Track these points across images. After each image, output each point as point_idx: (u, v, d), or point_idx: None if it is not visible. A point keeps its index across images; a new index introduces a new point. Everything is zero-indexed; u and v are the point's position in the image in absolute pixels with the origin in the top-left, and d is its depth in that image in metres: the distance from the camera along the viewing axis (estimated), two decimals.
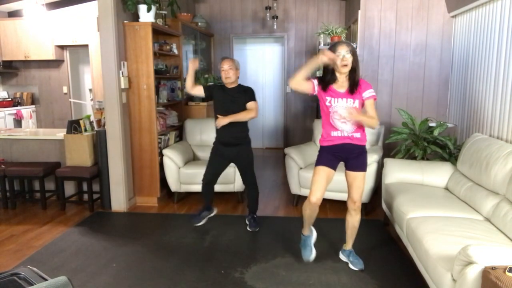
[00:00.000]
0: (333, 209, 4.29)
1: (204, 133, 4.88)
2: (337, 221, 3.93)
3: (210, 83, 3.63)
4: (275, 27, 6.91)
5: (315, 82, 2.80)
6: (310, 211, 2.89)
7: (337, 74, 2.74)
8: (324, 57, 2.63)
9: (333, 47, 2.69)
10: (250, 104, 3.55)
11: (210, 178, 3.69)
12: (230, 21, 7.19)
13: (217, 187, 4.43)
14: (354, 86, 2.74)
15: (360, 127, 2.81)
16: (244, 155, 3.63)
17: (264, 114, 7.76)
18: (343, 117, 2.73)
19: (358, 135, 2.80)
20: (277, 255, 3.21)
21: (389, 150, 4.57)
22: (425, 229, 2.59)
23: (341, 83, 2.76)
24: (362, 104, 2.79)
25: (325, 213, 4.17)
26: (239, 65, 3.66)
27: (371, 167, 3.95)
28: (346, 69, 2.69)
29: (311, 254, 2.98)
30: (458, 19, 4.58)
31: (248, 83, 7.66)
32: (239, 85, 3.63)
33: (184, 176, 4.39)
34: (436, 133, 3.98)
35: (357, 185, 2.86)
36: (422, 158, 3.95)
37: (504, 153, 2.83)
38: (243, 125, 3.59)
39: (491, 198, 2.85)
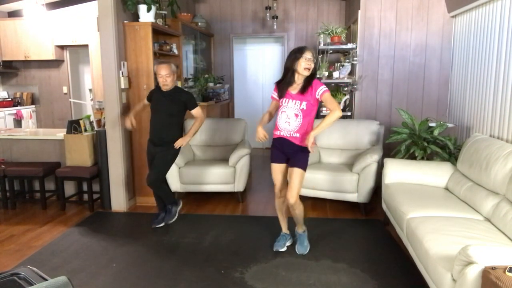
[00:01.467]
0: (333, 209, 4.29)
1: (204, 133, 4.88)
2: (336, 221, 3.93)
3: (152, 91, 3.82)
4: (275, 27, 6.91)
5: (274, 94, 3.13)
6: (279, 204, 3.26)
7: (296, 77, 2.95)
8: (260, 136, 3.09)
9: (301, 49, 2.91)
10: (194, 112, 3.72)
11: (151, 176, 3.79)
12: (230, 21, 7.19)
13: (217, 187, 4.45)
14: (306, 86, 2.93)
15: (302, 133, 3.00)
16: (162, 152, 3.70)
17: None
18: (289, 118, 2.99)
19: (297, 135, 3.00)
20: (277, 255, 3.21)
21: (389, 150, 4.57)
22: (425, 229, 2.59)
23: (297, 85, 2.97)
24: (316, 103, 2.97)
25: (325, 213, 4.17)
26: (176, 69, 3.72)
27: (371, 167, 3.95)
28: (307, 73, 2.90)
29: (282, 248, 3.28)
30: (458, 19, 4.58)
31: (248, 83, 7.69)
32: (176, 87, 3.73)
33: (184, 176, 4.39)
34: (436, 133, 3.98)
35: (291, 181, 3.02)
36: (422, 158, 3.95)
37: (504, 153, 2.83)
38: (172, 127, 3.69)
39: (491, 198, 2.85)
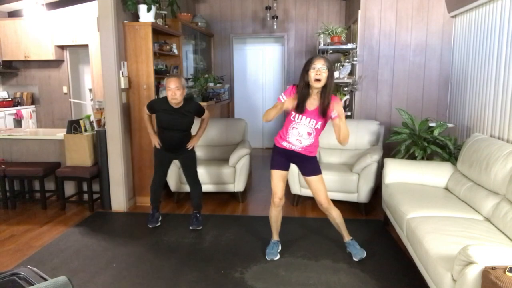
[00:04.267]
0: None
1: (203, 133, 4.87)
2: None
3: (153, 103, 3.66)
4: (275, 27, 6.91)
5: (283, 98, 2.82)
6: (275, 212, 3.13)
7: (310, 90, 2.74)
8: (290, 105, 2.74)
9: (311, 59, 2.71)
10: (203, 116, 3.75)
11: (160, 178, 3.82)
12: (230, 21, 7.19)
13: (217, 187, 4.45)
14: (325, 108, 2.72)
15: (313, 147, 2.91)
16: (185, 152, 3.71)
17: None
18: (300, 135, 2.84)
19: (308, 148, 2.90)
20: None
21: (389, 150, 4.58)
22: (425, 229, 2.59)
23: (313, 100, 2.78)
24: (325, 122, 2.82)
25: (324, 213, 4.16)
26: (186, 83, 3.68)
27: (371, 167, 3.95)
28: (319, 84, 2.67)
29: (276, 256, 3.15)
30: (458, 19, 4.58)
31: (248, 83, 7.69)
32: (184, 101, 3.60)
33: (184, 176, 4.38)
34: (436, 133, 3.98)
35: (317, 188, 2.97)
36: (422, 158, 3.95)
37: (504, 153, 2.83)
38: (184, 135, 3.65)
39: (491, 198, 2.85)
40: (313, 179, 2.96)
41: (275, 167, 3.02)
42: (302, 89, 2.75)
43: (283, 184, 3.03)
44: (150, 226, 3.80)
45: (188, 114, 3.59)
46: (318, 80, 2.65)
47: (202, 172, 4.35)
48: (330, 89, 2.72)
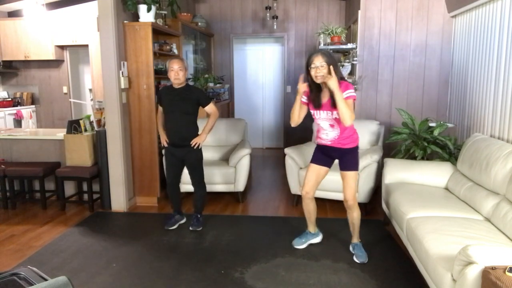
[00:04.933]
0: (333, 209, 4.29)
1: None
2: (336, 221, 3.93)
3: (160, 92, 3.67)
4: (275, 27, 6.91)
5: (304, 99, 2.93)
6: (304, 204, 3.20)
7: (320, 85, 2.82)
8: (302, 89, 2.82)
9: (309, 57, 2.77)
10: (208, 109, 3.65)
11: (173, 178, 3.72)
12: (230, 21, 7.19)
13: (217, 187, 4.45)
14: (334, 99, 2.71)
15: (346, 138, 2.91)
16: (192, 154, 3.61)
17: (264, 114, 7.77)
18: (325, 129, 2.93)
19: (338, 141, 2.92)
20: (277, 255, 3.20)
21: (389, 150, 4.57)
22: (425, 229, 2.59)
23: (325, 92, 2.83)
24: None
25: (325, 213, 4.17)
26: (188, 65, 3.65)
27: (371, 167, 3.95)
28: (320, 80, 2.74)
29: (302, 245, 3.28)
30: (458, 19, 4.58)
31: (248, 83, 7.69)
32: (187, 84, 3.60)
33: (184, 176, 4.38)
34: (436, 133, 3.98)
35: (346, 184, 3.00)
36: (422, 158, 3.95)
37: (504, 153, 2.83)
38: (190, 126, 3.59)
39: (491, 198, 2.85)
40: (345, 174, 2.97)
41: (312, 161, 3.09)
42: (311, 86, 2.83)
43: (315, 178, 3.07)
44: (166, 228, 3.75)
45: (190, 99, 3.52)
46: (320, 77, 2.72)
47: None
48: (337, 78, 2.70)
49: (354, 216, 3.07)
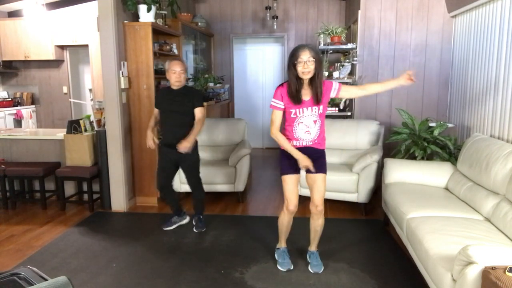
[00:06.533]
0: (333, 209, 4.29)
1: (204, 133, 4.88)
2: (336, 221, 3.93)
3: (159, 94, 3.65)
4: (275, 27, 6.91)
5: (279, 103, 2.70)
6: (285, 220, 2.96)
7: (303, 81, 2.64)
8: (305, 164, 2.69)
9: (295, 51, 2.59)
10: (197, 111, 3.47)
11: (164, 182, 3.64)
12: (230, 21, 7.19)
13: (217, 187, 4.45)
14: (318, 95, 2.65)
15: (322, 138, 2.84)
16: (188, 157, 3.53)
17: (264, 114, 7.77)
18: (308, 127, 2.73)
19: (317, 141, 2.81)
20: None
21: (389, 150, 4.57)
22: (425, 229, 2.59)
23: (306, 90, 2.67)
24: (325, 105, 2.75)
25: (325, 213, 4.14)
26: (187, 66, 3.60)
27: (371, 167, 3.95)
28: (308, 76, 2.59)
29: (290, 265, 2.99)
30: (458, 19, 4.58)
31: (248, 83, 7.69)
32: (185, 85, 3.54)
33: (184, 176, 4.38)
34: (436, 133, 3.98)
35: (318, 188, 2.80)
36: (422, 158, 3.95)
37: (504, 153, 2.83)
38: (186, 127, 3.49)
39: (491, 198, 2.85)
40: (318, 177, 2.80)
41: (287, 172, 2.81)
42: (295, 84, 2.63)
43: (297, 189, 2.86)
44: (163, 228, 3.74)
45: (187, 99, 3.45)
46: (307, 72, 2.57)
47: (202, 173, 4.34)
48: (321, 77, 2.65)
49: (320, 223, 2.89)
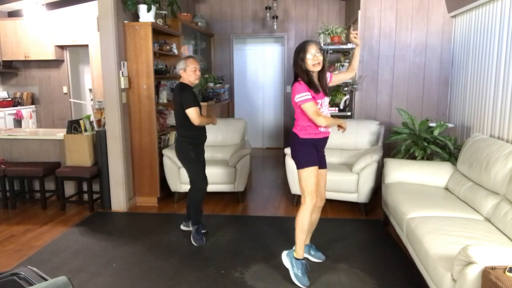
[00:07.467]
0: (333, 209, 4.29)
1: None
2: (336, 221, 3.93)
3: (193, 96, 3.38)
4: (275, 27, 6.91)
5: (308, 94, 2.66)
6: (314, 217, 2.97)
7: (314, 75, 2.72)
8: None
9: (303, 46, 2.67)
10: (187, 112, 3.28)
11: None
12: (230, 21, 7.19)
13: (217, 187, 4.45)
14: (325, 87, 2.76)
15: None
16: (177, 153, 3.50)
17: (264, 114, 7.77)
18: (327, 116, 2.77)
19: (329, 130, 2.85)
20: (277, 255, 3.19)
21: (389, 150, 4.58)
22: (425, 229, 2.59)
23: (316, 83, 2.74)
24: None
25: (325, 213, 4.16)
26: None
27: (371, 167, 3.95)
28: (318, 68, 2.68)
29: (308, 282, 2.75)
30: (458, 19, 4.58)
31: (248, 83, 7.69)
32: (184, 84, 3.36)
33: (184, 176, 4.39)
34: (436, 133, 3.98)
35: (323, 182, 2.93)
36: (422, 158, 3.95)
37: (504, 153, 2.83)
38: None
39: (491, 198, 2.85)
40: (324, 171, 2.90)
41: (312, 163, 2.71)
42: (308, 78, 2.69)
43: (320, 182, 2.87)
44: (195, 244, 3.43)
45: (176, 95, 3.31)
46: (317, 64, 2.66)
47: None
48: (326, 69, 2.82)
49: (319, 215, 3.01)
